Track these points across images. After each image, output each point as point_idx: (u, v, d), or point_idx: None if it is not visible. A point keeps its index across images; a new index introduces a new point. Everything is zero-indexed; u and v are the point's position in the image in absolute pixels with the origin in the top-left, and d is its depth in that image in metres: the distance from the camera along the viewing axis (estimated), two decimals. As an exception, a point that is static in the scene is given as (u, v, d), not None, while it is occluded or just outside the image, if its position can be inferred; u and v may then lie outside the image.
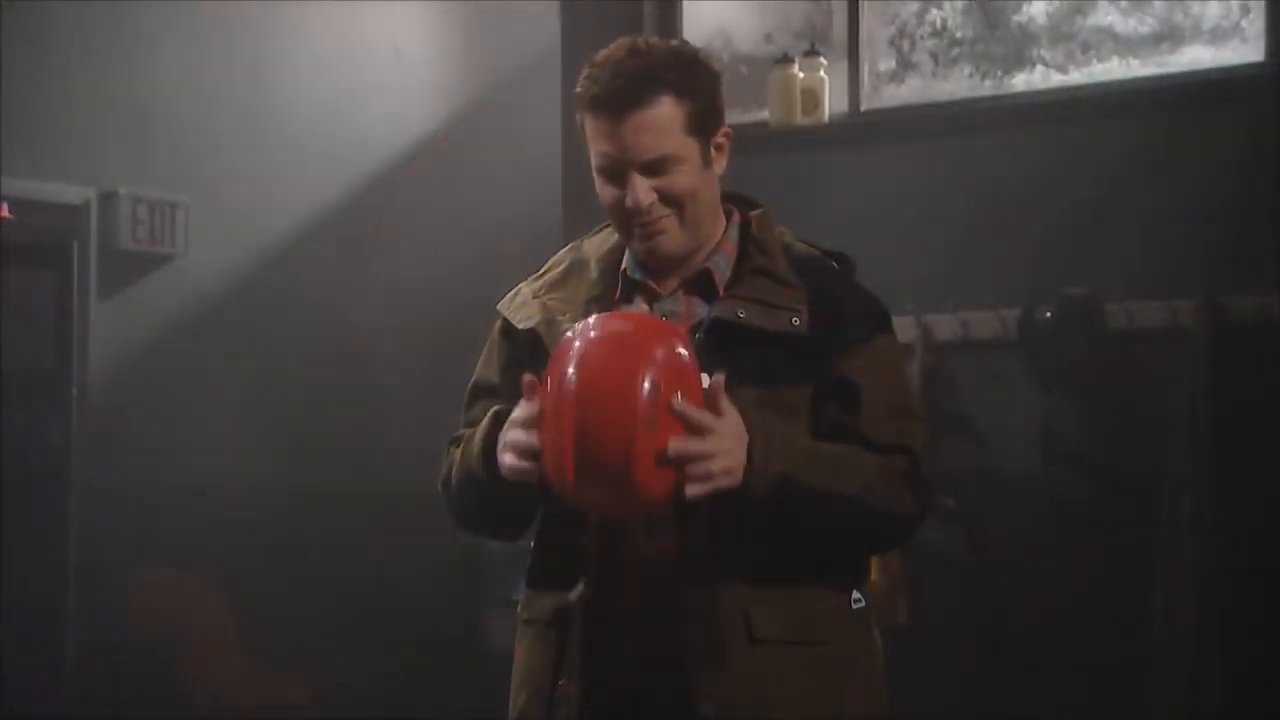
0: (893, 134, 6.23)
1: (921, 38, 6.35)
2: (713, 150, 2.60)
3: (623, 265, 2.63)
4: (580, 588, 2.46)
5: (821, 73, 6.28)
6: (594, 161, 2.56)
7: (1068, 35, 6.09)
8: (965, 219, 5.97)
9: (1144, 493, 5.56)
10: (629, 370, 2.24)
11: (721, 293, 2.57)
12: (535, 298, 2.65)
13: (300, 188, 7.67)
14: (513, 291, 2.73)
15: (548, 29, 6.99)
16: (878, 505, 2.49)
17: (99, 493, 6.47)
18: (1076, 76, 6.05)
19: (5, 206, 5.58)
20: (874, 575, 5.63)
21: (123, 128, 7.15)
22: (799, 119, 6.28)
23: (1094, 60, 6.04)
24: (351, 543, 7.26)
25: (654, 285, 2.61)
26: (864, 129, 6.30)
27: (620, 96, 2.50)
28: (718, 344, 2.47)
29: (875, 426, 2.52)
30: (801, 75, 6.27)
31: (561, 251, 2.76)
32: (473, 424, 2.63)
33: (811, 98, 6.25)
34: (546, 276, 2.70)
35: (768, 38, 6.62)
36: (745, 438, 2.33)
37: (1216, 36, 5.79)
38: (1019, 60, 6.16)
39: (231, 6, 7.54)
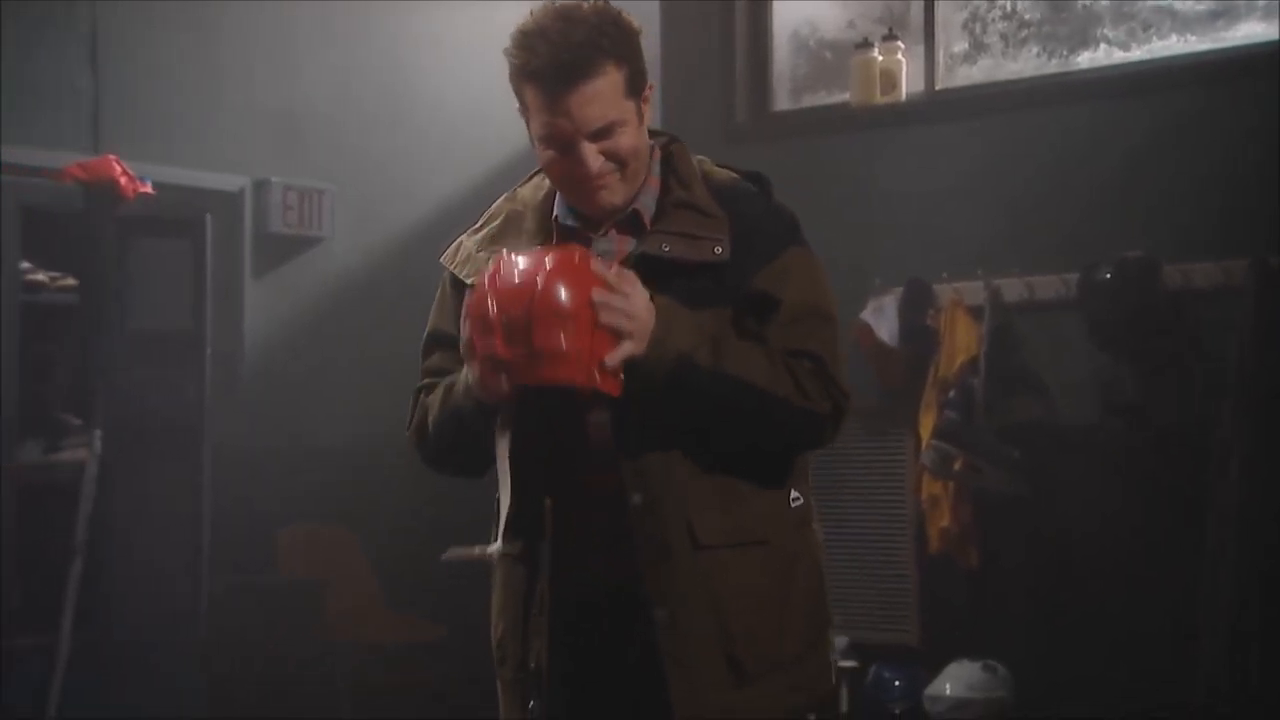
0: (965, 111, 6.33)
1: (992, 20, 6.44)
2: (642, 105, 2.59)
3: (554, 213, 2.65)
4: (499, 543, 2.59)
5: (899, 55, 6.41)
6: (536, 131, 2.56)
7: (1129, 14, 6.14)
8: (1031, 189, 6.07)
9: (1195, 443, 5.60)
10: (532, 267, 2.41)
11: (649, 227, 2.58)
12: (478, 251, 2.68)
13: (435, 177, 7.72)
14: (454, 245, 2.76)
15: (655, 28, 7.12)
16: (781, 397, 2.51)
17: (235, 448, 6.75)
18: (1138, 53, 6.11)
19: (149, 184, 5.87)
20: (946, 521, 5.86)
21: (275, 122, 7.28)
22: (878, 98, 6.42)
23: (1154, 37, 6.09)
24: (467, 496, 7.48)
25: (586, 231, 2.62)
26: (938, 107, 6.41)
27: (565, 70, 2.49)
28: (648, 277, 2.48)
29: (783, 331, 2.54)
30: (880, 58, 6.41)
31: (498, 202, 2.77)
32: (431, 372, 2.74)
33: (889, 79, 6.40)
34: (486, 229, 2.72)
35: (850, 25, 6.75)
36: (653, 310, 2.43)
37: (1270, 12, 5.83)
38: (1083, 39, 6.23)
39: (372, 11, 7.70)
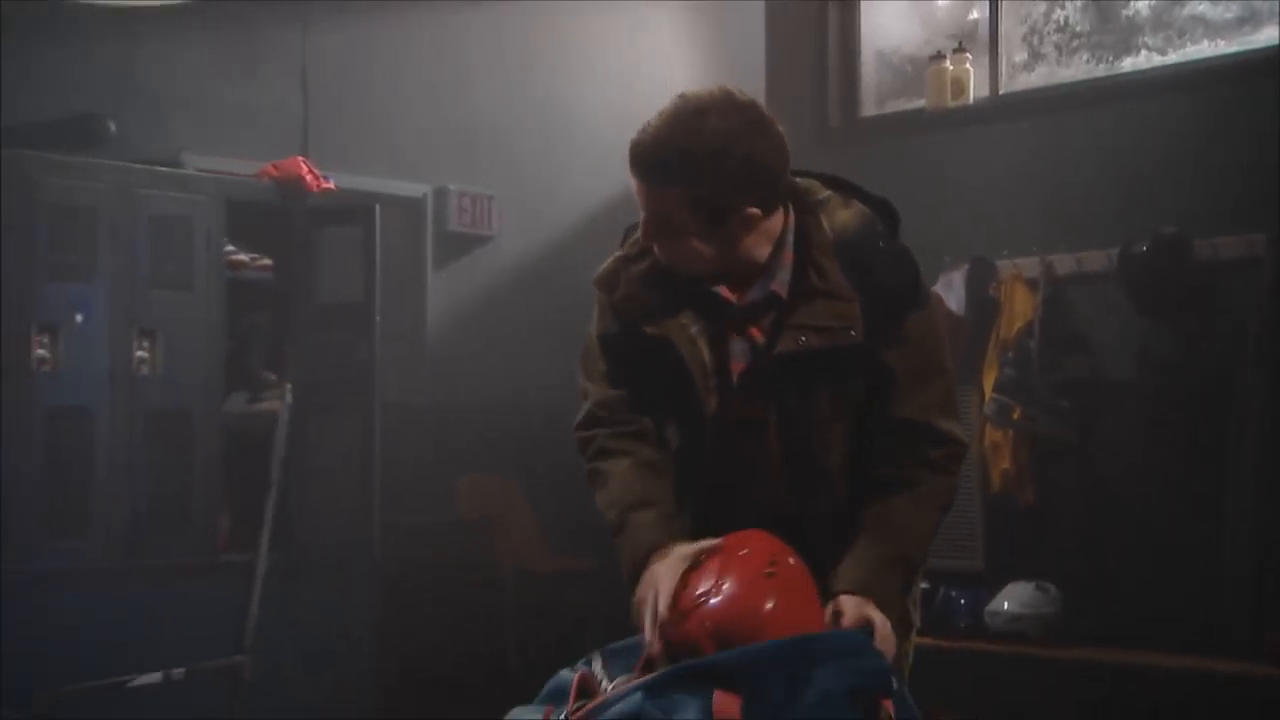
0: (1024, 112, 6.51)
1: (1048, 33, 6.61)
2: (732, 227, 2.46)
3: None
4: None
5: (967, 65, 6.60)
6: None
7: (1167, 23, 6.31)
8: (1079, 177, 6.26)
9: (1219, 395, 5.78)
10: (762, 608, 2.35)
11: (785, 296, 2.52)
12: (641, 290, 2.58)
13: (586, 184, 7.94)
14: (610, 270, 2.65)
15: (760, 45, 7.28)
16: (939, 519, 2.60)
17: (419, 408, 7.04)
18: (1174, 57, 6.24)
19: (331, 181, 6.21)
20: (1006, 464, 6.01)
21: (452, 138, 7.67)
22: (949, 103, 6.61)
23: (1188, 42, 6.23)
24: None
25: (726, 295, 2.55)
26: (1001, 109, 6.59)
27: (639, 165, 2.46)
28: (788, 364, 2.49)
29: (903, 398, 2.52)
30: (951, 68, 6.61)
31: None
32: (601, 378, 2.68)
33: (959, 85, 6.59)
34: (641, 266, 2.60)
35: (926, 42, 6.93)
36: (888, 623, 2.42)
37: (1289, 19, 5.93)
38: (1127, 46, 6.40)
39: (536, 42, 7.93)
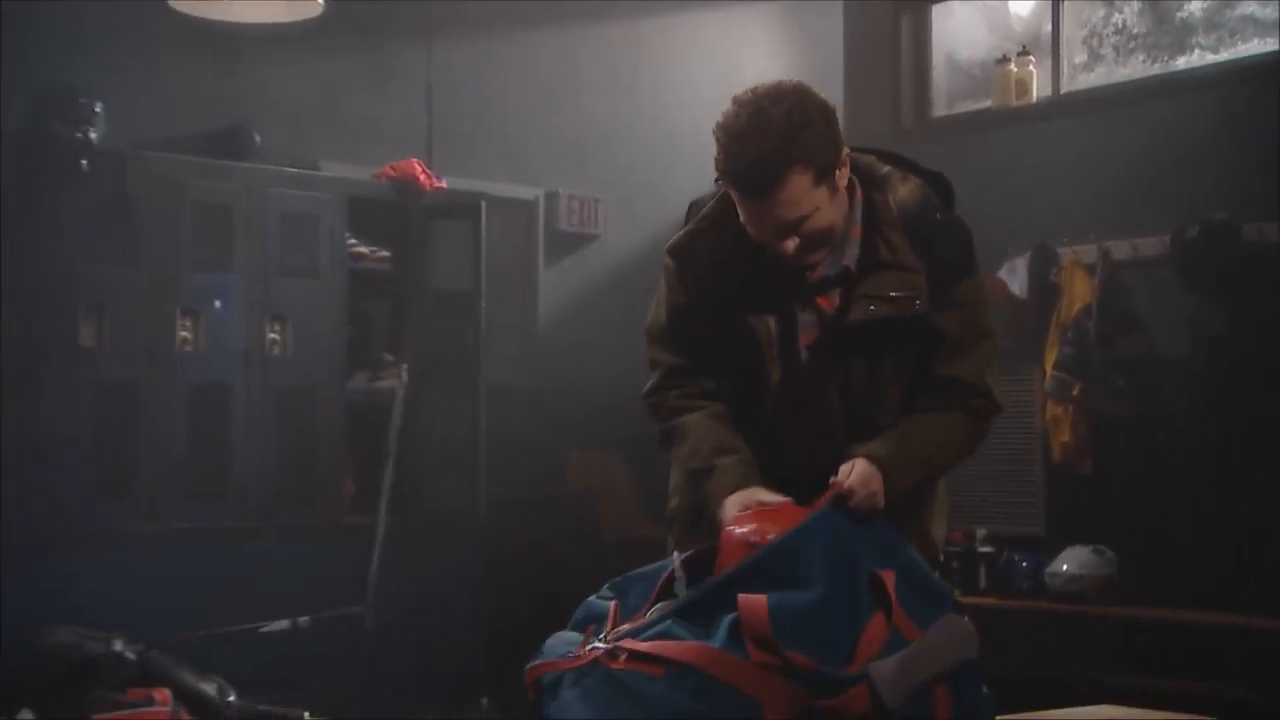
0: (1084, 109, 6.62)
1: (1107, 35, 6.70)
2: (837, 175, 2.46)
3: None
4: None
5: (1030, 67, 6.70)
6: (740, 213, 2.50)
7: (1219, 24, 6.39)
8: (1135, 168, 6.35)
9: (1267, 369, 5.83)
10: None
11: (854, 269, 2.53)
12: (712, 265, 2.60)
13: (688, 185, 7.62)
14: (685, 241, 2.66)
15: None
16: (963, 448, 2.62)
17: (533, 389, 7.22)
18: (1225, 55, 6.25)
19: (444, 181, 6.41)
20: (1066, 437, 6.06)
21: (563, 146, 7.86)
22: (1014, 103, 6.68)
23: (1239, 41, 6.24)
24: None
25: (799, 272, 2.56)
26: (1062, 107, 6.72)
27: (756, 181, 2.42)
28: (858, 332, 2.52)
29: (949, 360, 2.55)
30: (1015, 70, 6.70)
31: (714, 203, 2.63)
32: (662, 346, 2.71)
33: (1023, 86, 6.68)
34: (715, 238, 2.61)
35: (994, 47, 7.01)
36: (879, 476, 2.45)
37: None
38: (1181, 46, 6.48)
39: (641, 59, 8.09)
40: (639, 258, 8.07)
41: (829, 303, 2.56)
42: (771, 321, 2.58)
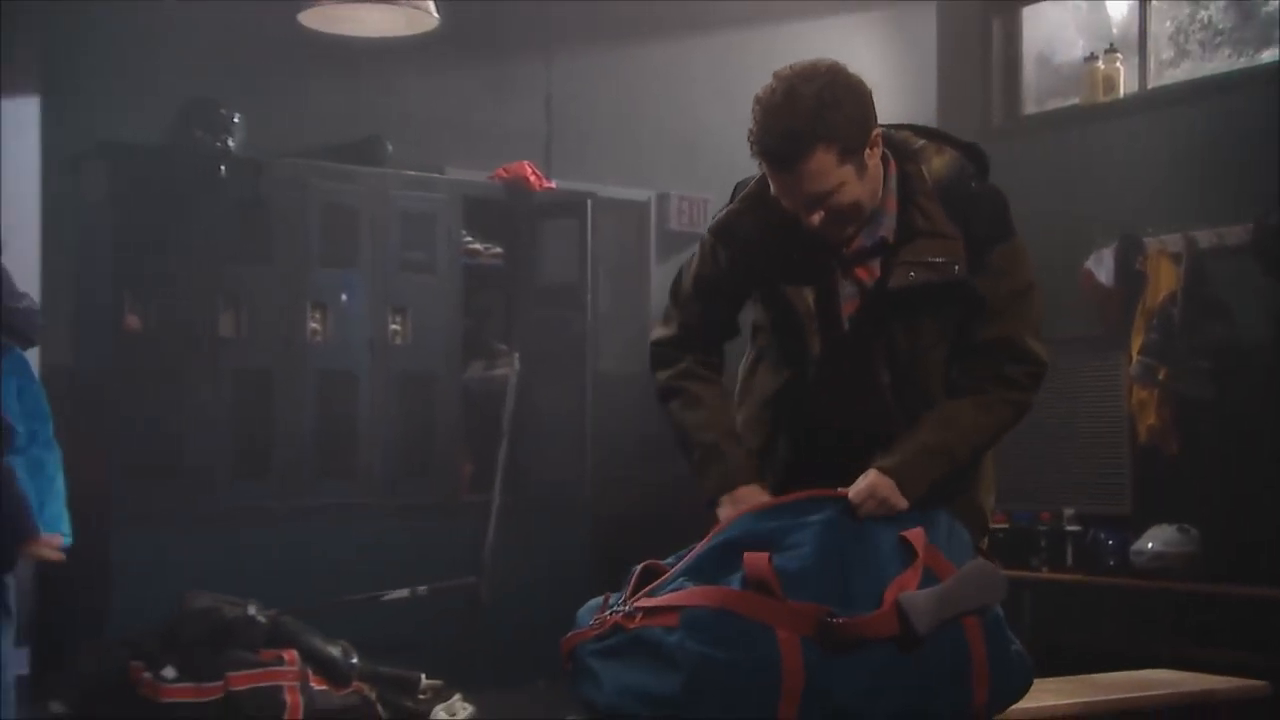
0: (1170, 103, 6.57)
1: (1193, 31, 6.61)
2: (866, 155, 2.46)
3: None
4: None
5: (1118, 64, 6.68)
6: (771, 185, 2.51)
7: (1304, 18, 6.23)
8: (1219, 159, 6.30)
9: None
10: None
11: (892, 240, 2.52)
12: (755, 241, 2.59)
13: None
14: (726, 221, 2.65)
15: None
16: (1001, 426, 2.55)
17: (645, 382, 7.31)
18: (1309, 48, 6.18)
19: (553, 182, 6.56)
20: (1152, 419, 6.04)
21: (674, 150, 7.90)
22: (1101, 99, 6.64)
23: (1323, 34, 6.14)
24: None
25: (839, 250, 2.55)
26: (1148, 102, 6.67)
27: (781, 155, 2.43)
28: (899, 299, 2.51)
29: (988, 323, 2.52)
30: (1103, 67, 6.69)
31: (755, 183, 2.62)
32: (689, 306, 2.70)
33: (1110, 83, 6.66)
34: (754, 217, 2.60)
35: (1082, 46, 6.95)
36: (893, 485, 2.43)
37: None
38: (1266, 40, 6.38)
39: (747, 64, 7.99)
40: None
41: (868, 273, 2.55)
42: (809, 294, 2.58)
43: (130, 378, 5.66)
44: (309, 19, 5.56)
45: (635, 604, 2.40)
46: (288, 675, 5.19)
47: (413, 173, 6.33)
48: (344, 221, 6.05)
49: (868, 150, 2.46)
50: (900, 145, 2.57)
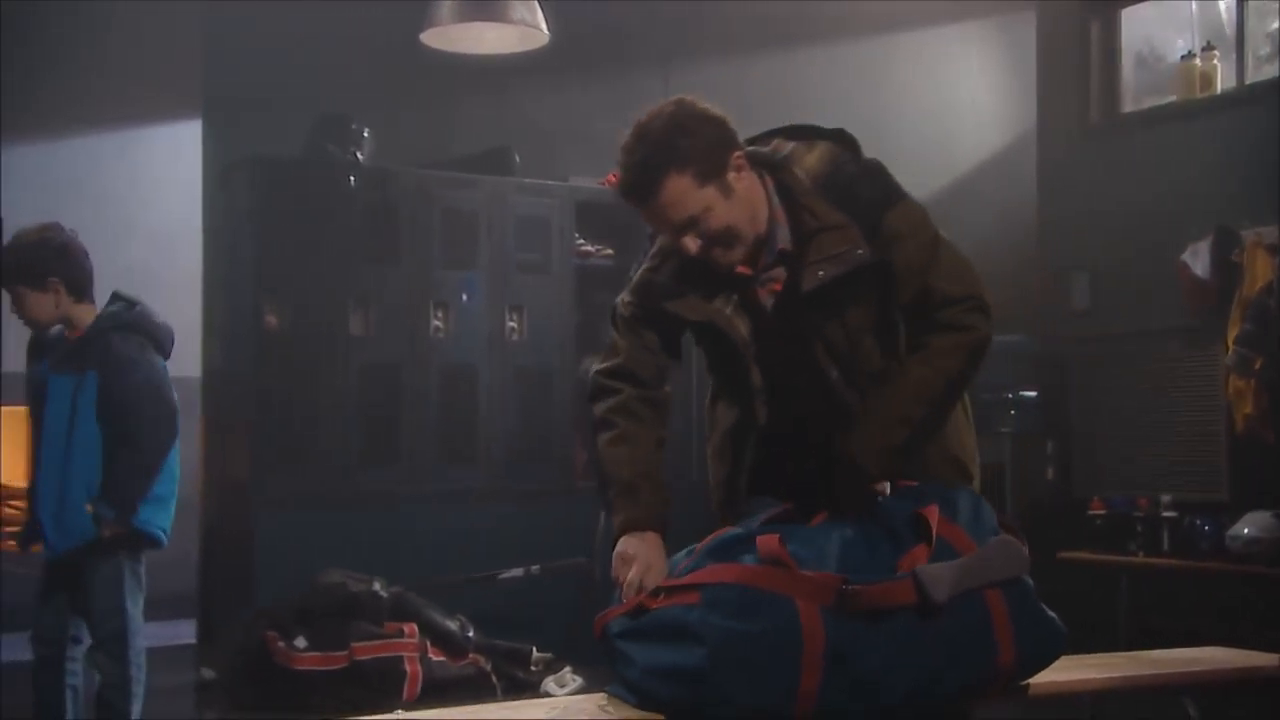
0: (1264, 98, 6.29)
1: (1290, 27, 6.36)
2: (731, 177, 2.41)
3: None
4: None
5: (1215, 61, 6.50)
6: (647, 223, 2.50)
7: (1406, 11, 5.98)
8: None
9: None
10: None
11: (791, 248, 2.46)
12: (670, 283, 2.54)
13: (931, 177, 7.66)
14: (642, 280, 2.60)
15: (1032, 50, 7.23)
16: (953, 379, 2.46)
17: None
18: (1405, 40, 5.92)
19: None
20: (1248, 409, 5.86)
21: None
22: (1198, 95, 6.45)
23: None
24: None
25: (743, 270, 2.49)
26: (1244, 98, 6.44)
27: (635, 190, 2.41)
28: (816, 298, 2.45)
29: (910, 283, 2.45)
30: (1200, 64, 6.49)
31: (663, 240, 2.54)
32: (630, 338, 2.60)
33: (1207, 80, 6.48)
34: (667, 265, 2.55)
35: (1180, 44, 6.77)
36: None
37: None
38: (1363, 35, 6.09)
39: (857, 75, 8.09)
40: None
41: (780, 285, 2.49)
42: (740, 323, 2.51)
43: (270, 374, 5.88)
44: (429, 38, 5.71)
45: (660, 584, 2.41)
46: (408, 647, 5.34)
47: (528, 180, 6.45)
48: (464, 226, 6.20)
49: (731, 174, 2.41)
50: (768, 159, 2.52)
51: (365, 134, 6.14)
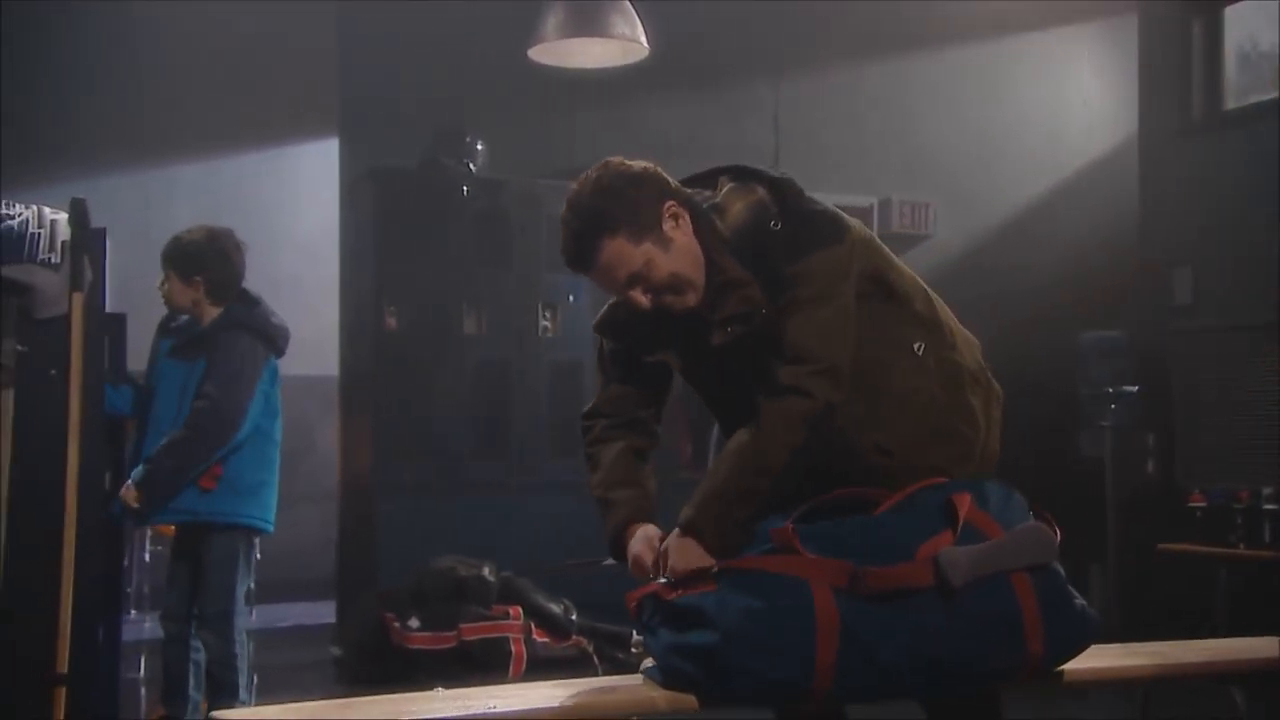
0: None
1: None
2: (667, 229, 2.37)
3: None
4: None
5: (1317, 55, 6.18)
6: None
7: None
8: None
9: None
10: None
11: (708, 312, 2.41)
12: (636, 328, 2.51)
13: (1014, 191, 7.89)
14: (607, 317, 2.57)
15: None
16: (797, 456, 2.33)
17: None
18: None
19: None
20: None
21: (896, 158, 7.81)
22: None
23: None
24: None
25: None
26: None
27: (576, 260, 2.40)
28: (731, 351, 2.41)
29: (786, 334, 2.35)
30: (1302, 57, 6.20)
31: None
32: (602, 376, 2.62)
33: (1309, 71, 6.18)
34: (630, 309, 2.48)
35: None
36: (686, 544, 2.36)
37: None
38: None
39: (966, 78, 7.94)
40: (968, 253, 8.01)
41: (708, 335, 2.43)
42: (696, 366, 2.52)
43: (390, 372, 6.02)
44: (537, 54, 5.78)
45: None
46: (514, 628, 5.41)
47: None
48: (571, 230, 6.23)
49: (667, 224, 2.37)
50: (697, 206, 2.45)
51: (479, 146, 6.25)
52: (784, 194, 2.42)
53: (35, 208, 3.57)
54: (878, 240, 2.60)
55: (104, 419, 3.77)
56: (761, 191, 2.43)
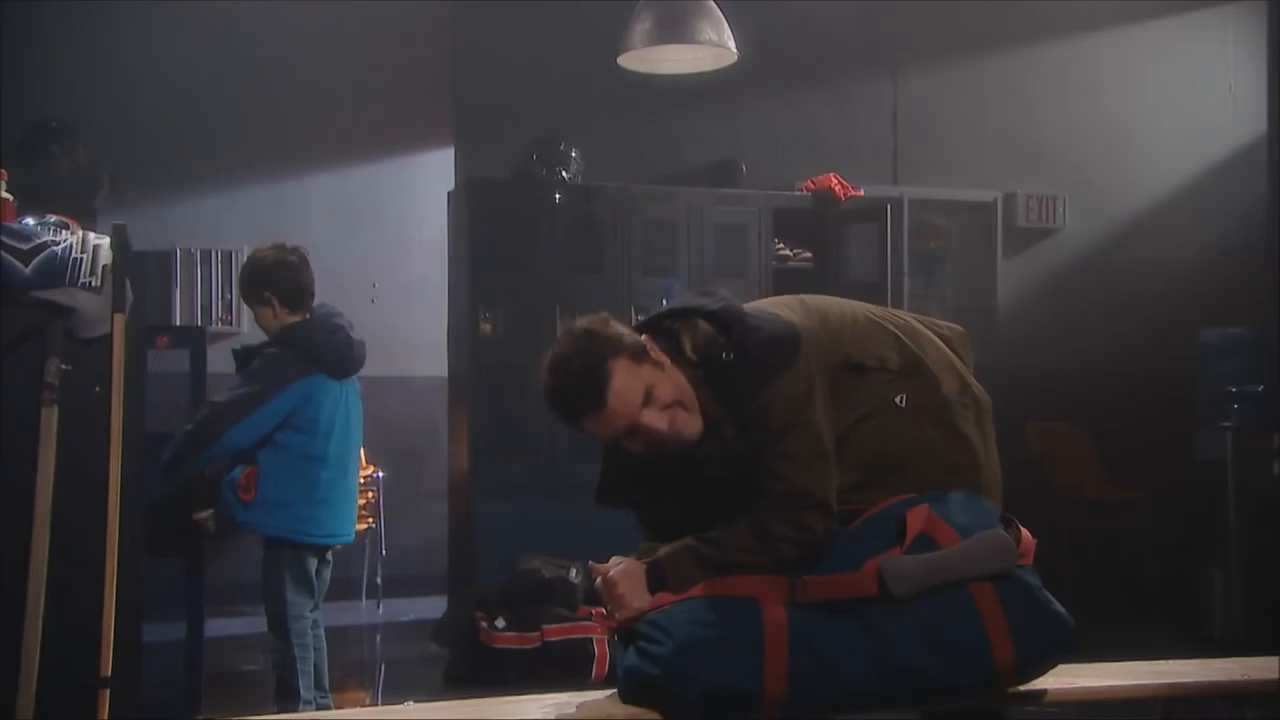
0: None
1: None
2: (655, 356, 2.34)
3: None
4: None
5: None
6: (616, 440, 2.40)
7: None
8: None
9: None
10: None
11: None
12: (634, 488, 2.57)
13: (1148, 183, 7.50)
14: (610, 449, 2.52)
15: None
16: (778, 565, 2.32)
17: (997, 371, 6.76)
18: None
19: (861, 189, 6.28)
20: None
21: (1020, 152, 7.47)
22: None
23: None
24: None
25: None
26: None
27: (585, 400, 2.32)
28: (718, 464, 2.37)
29: (765, 464, 2.32)
30: None
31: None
32: (602, 476, 2.61)
33: None
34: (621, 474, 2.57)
35: None
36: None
37: None
38: None
39: (1094, 69, 7.54)
40: (1098, 247, 7.61)
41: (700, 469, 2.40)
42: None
43: (487, 375, 5.92)
44: (626, 61, 5.60)
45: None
46: (595, 629, 5.23)
47: (725, 190, 6.26)
48: (663, 235, 6.03)
49: (652, 352, 2.33)
50: (664, 339, 2.40)
51: (574, 154, 6.10)
52: (728, 324, 2.35)
53: (80, 233, 3.55)
54: (835, 318, 2.45)
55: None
56: (705, 325, 2.38)
